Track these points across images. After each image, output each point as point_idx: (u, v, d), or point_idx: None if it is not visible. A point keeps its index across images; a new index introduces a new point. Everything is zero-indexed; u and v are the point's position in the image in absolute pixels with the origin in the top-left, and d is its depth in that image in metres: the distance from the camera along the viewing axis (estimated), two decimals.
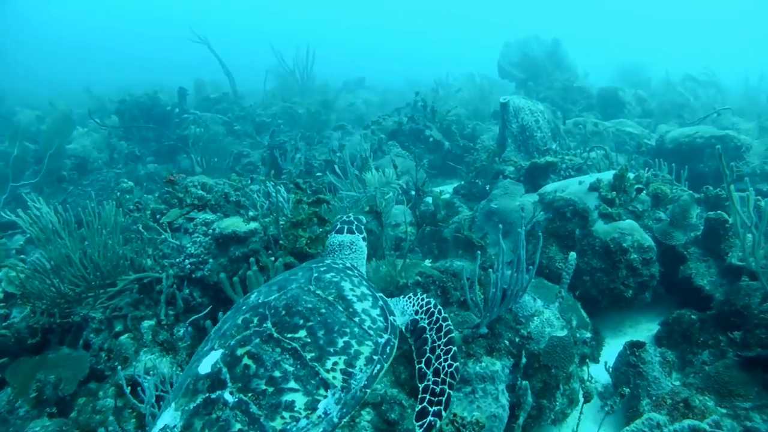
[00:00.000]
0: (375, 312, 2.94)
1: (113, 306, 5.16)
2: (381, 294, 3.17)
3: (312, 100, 16.88)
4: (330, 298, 2.86)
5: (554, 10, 63.84)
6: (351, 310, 2.85)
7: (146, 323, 5.01)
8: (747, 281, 5.08)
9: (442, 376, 2.94)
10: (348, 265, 3.37)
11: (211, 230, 5.60)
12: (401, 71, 29.32)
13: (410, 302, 3.31)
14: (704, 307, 5.33)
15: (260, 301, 2.82)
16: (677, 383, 4.85)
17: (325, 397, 2.45)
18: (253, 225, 5.47)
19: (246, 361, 2.47)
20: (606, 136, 10.59)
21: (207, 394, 2.37)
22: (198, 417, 2.30)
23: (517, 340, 4.69)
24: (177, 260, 5.48)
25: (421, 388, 2.93)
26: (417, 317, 3.20)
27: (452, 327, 3.18)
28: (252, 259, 4.66)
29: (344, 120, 16.48)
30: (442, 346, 3.06)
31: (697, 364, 4.89)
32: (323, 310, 2.76)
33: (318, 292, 2.88)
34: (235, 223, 5.52)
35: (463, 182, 9.50)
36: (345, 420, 2.50)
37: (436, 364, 2.99)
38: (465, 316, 4.73)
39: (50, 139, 11.87)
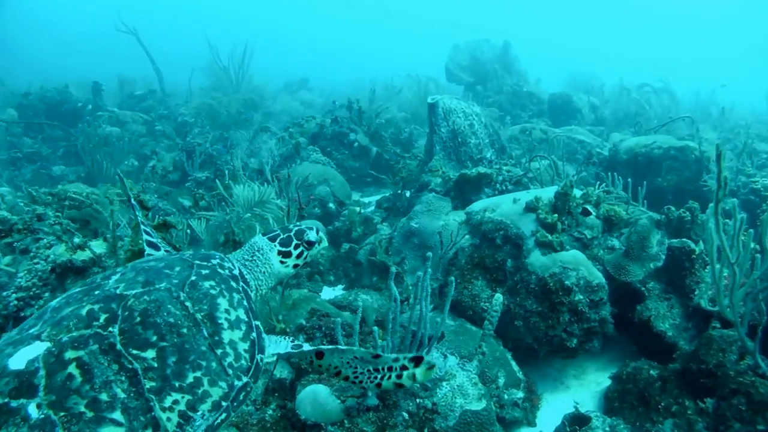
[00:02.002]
0: (243, 346, 2.42)
1: None
2: (259, 323, 2.58)
3: (233, 98, 15.44)
4: (198, 316, 2.34)
5: (506, 14, 63.31)
6: (216, 338, 2.34)
7: None
8: (718, 328, 4.08)
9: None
10: (236, 273, 2.74)
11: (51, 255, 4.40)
12: (348, 72, 28.05)
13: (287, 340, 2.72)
14: (665, 355, 4.32)
15: (117, 291, 2.29)
16: None
17: None
18: (83, 254, 4.20)
19: (72, 369, 1.97)
20: (556, 144, 9.47)
21: (7, 399, 1.87)
22: None
23: (419, 413, 3.50)
24: (4, 293, 4.21)
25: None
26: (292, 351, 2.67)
27: None
28: None
29: (283, 122, 15.20)
30: None
31: None
32: (184, 331, 2.25)
33: (187, 304, 2.35)
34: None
35: (389, 194, 8.28)
36: None
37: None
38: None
39: None
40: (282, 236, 3.04)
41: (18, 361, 1.96)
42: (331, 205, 8.12)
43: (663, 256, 4.79)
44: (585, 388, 4.72)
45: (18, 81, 18.48)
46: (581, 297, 4.39)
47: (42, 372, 1.94)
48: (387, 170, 10.12)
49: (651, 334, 4.54)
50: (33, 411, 1.86)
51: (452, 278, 3.24)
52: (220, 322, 2.40)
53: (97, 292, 2.30)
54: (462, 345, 4.33)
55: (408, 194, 7.72)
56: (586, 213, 4.93)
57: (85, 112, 14.86)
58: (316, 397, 3.48)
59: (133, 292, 2.29)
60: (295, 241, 3.03)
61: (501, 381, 4.15)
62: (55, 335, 2.06)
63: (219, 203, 6.12)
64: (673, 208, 5.22)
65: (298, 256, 3.05)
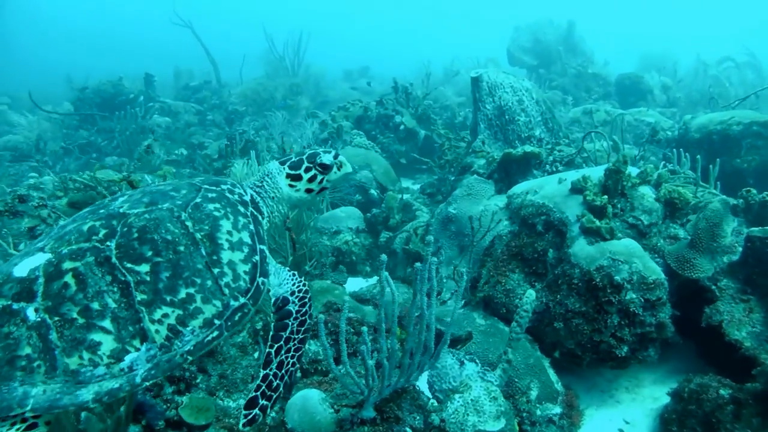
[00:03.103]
0: (243, 267, 2.46)
1: None
2: (265, 248, 2.63)
3: (279, 83, 15.18)
4: (198, 235, 2.39)
5: None
6: (215, 257, 2.39)
7: None
8: None
9: (283, 371, 2.55)
10: (247, 199, 2.74)
11: None
12: (410, 60, 27.63)
13: (292, 279, 2.75)
14: (741, 371, 3.51)
15: (121, 210, 2.38)
16: None
17: (138, 350, 2.12)
18: None
19: (68, 279, 2.11)
20: (619, 124, 8.55)
21: (9, 302, 2.04)
22: None
23: (426, 430, 2.96)
24: None
25: (261, 375, 2.52)
26: (290, 298, 2.68)
27: (310, 326, 2.76)
28: None
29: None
30: (296, 343, 2.63)
31: None
32: (181, 248, 2.32)
33: (188, 223, 2.40)
34: None
35: (434, 178, 7.68)
36: (149, 383, 2.14)
37: (283, 356, 2.58)
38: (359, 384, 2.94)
39: None
40: (293, 159, 2.98)
41: (21, 269, 2.12)
42: (372, 191, 7.61)
43: (739, 248, 3.99)
44: (638, 403, 4.04)
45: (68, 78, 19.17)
46: (634, 296, 3.66)
47: (41, 280, 2.08)
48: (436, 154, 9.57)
49: (722, 343, 3.75)
50: (31, 314, 2.02)
51: (463, 269, 2.67)
52: (220, 242, 2.42)
53: (102, 211, 2.39)
54: (491, 348, 3.72)
55: (452, 178, 7.12)
56: (634, 186, 4.11)
57: (137, 104, 14.98)
58: (306, 403, 3.06)
59: (136, 211, 2.36)
60: (306, 164, 2.96)
61: (533, 393, 3.52)
62: (57, 248, 2.20)
63: None
64: (754, 191, 4.38)
65: (311, 180, 2.97)
